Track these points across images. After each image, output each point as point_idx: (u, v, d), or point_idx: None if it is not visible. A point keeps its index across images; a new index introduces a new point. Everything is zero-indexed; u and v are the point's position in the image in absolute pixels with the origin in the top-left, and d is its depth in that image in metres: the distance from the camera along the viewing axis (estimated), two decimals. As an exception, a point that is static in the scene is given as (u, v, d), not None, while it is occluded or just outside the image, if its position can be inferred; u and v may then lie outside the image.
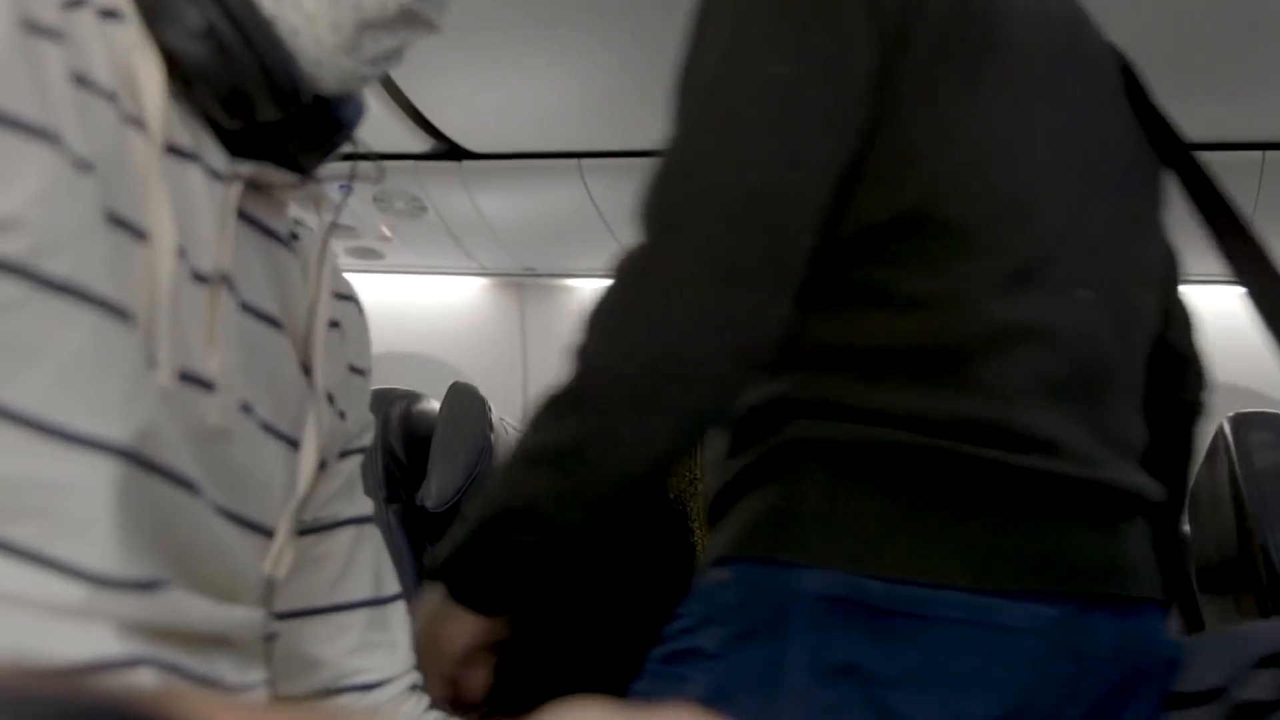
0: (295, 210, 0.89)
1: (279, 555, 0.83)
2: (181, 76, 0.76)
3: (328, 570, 0.96)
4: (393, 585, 1.01)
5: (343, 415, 0.92)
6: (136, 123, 0.70)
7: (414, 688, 1.01)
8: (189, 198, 0.73)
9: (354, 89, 0.86)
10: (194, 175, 0.74)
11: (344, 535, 0.97)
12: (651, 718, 0.46)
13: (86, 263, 0.64)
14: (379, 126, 2.50)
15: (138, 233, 0.68)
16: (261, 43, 0.76)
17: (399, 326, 3.78)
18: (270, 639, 0.83)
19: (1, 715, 0.28)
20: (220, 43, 0.74)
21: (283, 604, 0.87)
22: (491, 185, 3.17)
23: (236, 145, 0.80)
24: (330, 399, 0.90)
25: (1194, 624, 2.20)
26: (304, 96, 0.79)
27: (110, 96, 0.68)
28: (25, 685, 0.30)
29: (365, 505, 1.00)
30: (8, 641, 0.62)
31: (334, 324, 0.91)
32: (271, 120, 0.80)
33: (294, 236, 0.87)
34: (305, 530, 0.92)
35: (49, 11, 0.65)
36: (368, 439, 1.01)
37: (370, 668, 0.97)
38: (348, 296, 0.99)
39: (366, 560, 0.99)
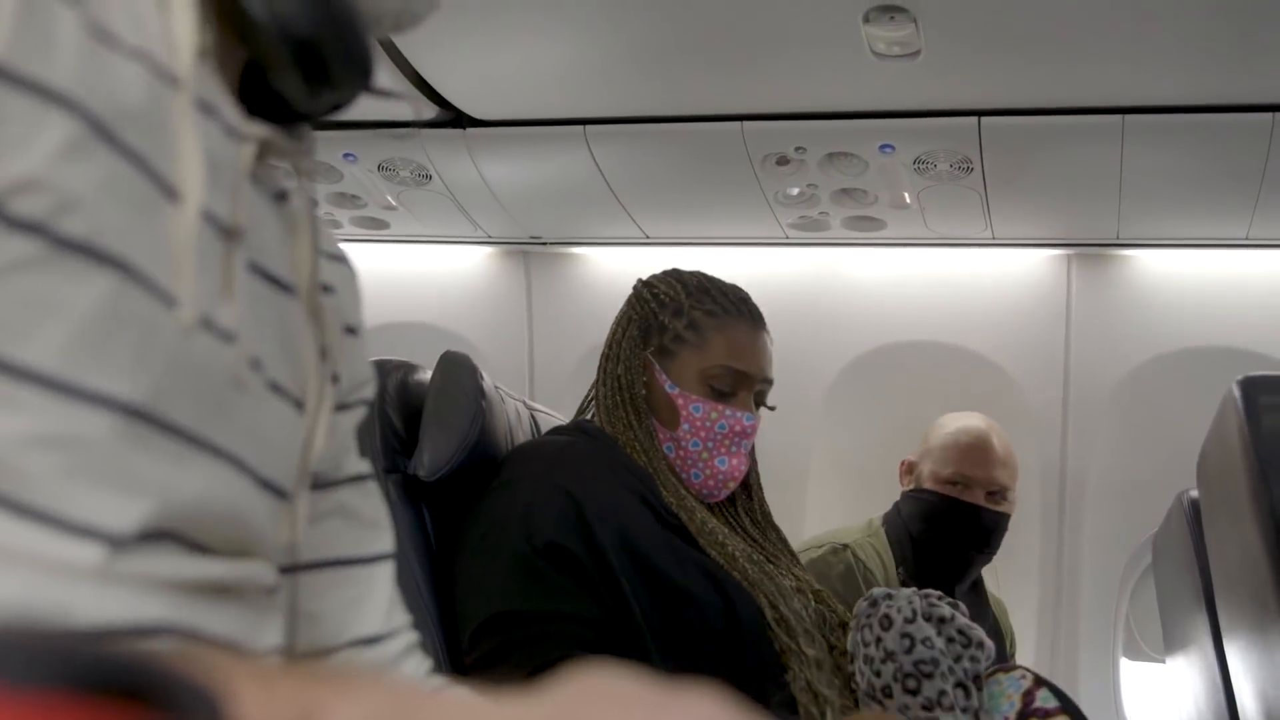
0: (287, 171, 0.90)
1: (296, 517, 0.85)
2: (232, 34, 0.78)
3: (327, 525, 0.97)
4: (388, 543, 1.02)
5: (335, 378, 0.93)
6: (166, 78, 0.71)
7: (412, 646, 1.02)
8: (211, 153, 0.74)
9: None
10: (213, 130, 0.75)
11: (344, 491, 0.98)
12: (672, 697, 0.46)
13: (104, 222, 0.65)
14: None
15: (167, 188, 0.69)
16: (346, 20, 0.78)
17: (405, 296, 3.79)
18: (273, 592, 0.84)
19: (26, 665, 0.28)
20: (312, 23, 0.77)
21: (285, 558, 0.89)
22: (497, 153, 3.17)
23: (248, 104, 0.82)
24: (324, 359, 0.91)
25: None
26: (373, 74, 0.82)
27: (137, 54, 0.69)
28: (47, 640, 0.31)
29: (362, 463, 1.01)
30: (25, 602, 0.63)
31: (326, 288, 0.92)
32: (345, 99, 0.83)
33: (283, 196, 0.88)
34: (310, 486, 0.93)
35: None
36: (367, 392, 1.02)
37: (370, 623, 0.98)
38: (338, 257, 1.00)
39: (365, 515, 1.00)
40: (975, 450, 2.96)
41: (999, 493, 2.95)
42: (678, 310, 1.97)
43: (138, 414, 0.68)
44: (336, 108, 0.87)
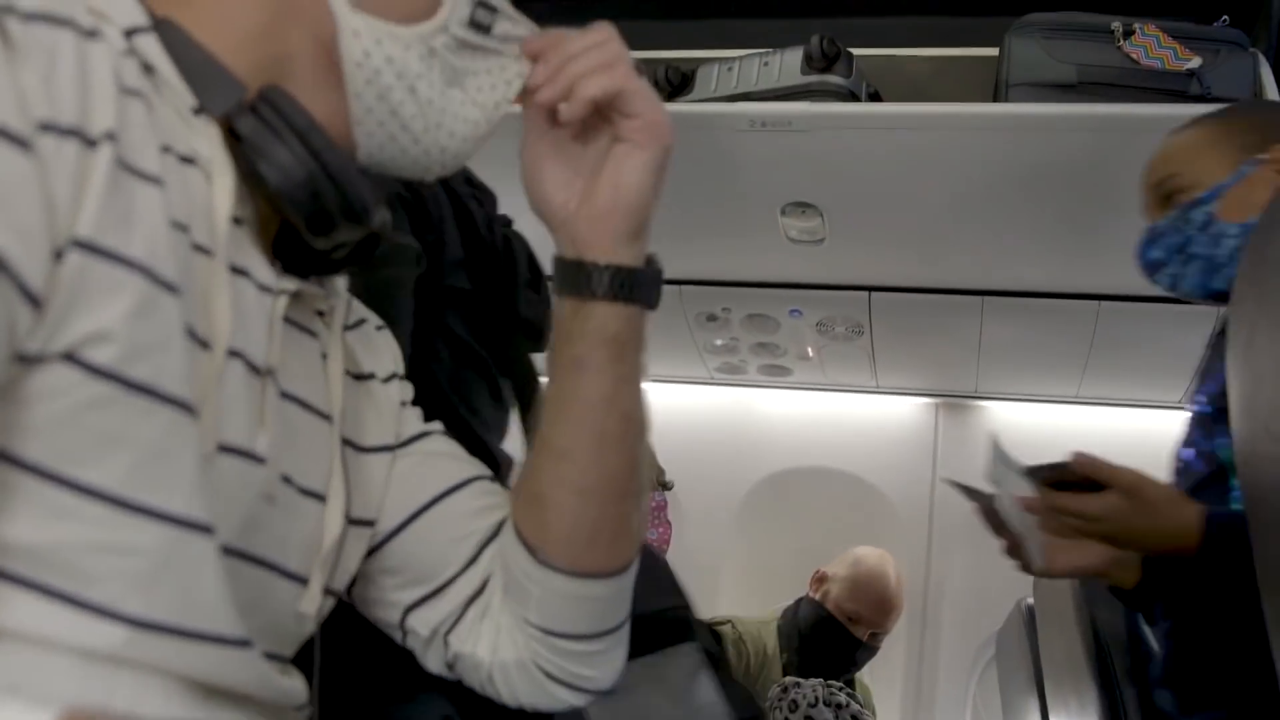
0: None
1: (312, 596, 0.81)
2: (267, 205, 0.77)
3: (415, 473, 0.94)
4: (474, 470, 0.97)
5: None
6: (200, 249, 0.70)
7: None
8: (243, 307, 0.73)
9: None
10: (245, 288, 0.74)
11: (415, 445, 0.95)
12: None
13: (164, 368, 0.64)
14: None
15: (201, 340, 0.68)
16: (343, 176, 0.76)
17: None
18: (302, 709, 0.81)
19: None
20: (312, 180, 0.75)
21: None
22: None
23: (287, 260, 0.81)
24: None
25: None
26: (373, 218, 0.80)
27: (181, 228, 0.68)
28: None
29: (423, 425, 0.97)
30: (78, 690, 0.62)
31: (365, 376, 0.91)
32: (347, 240, 0.81)
33: (319, 315, 0.86)
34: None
35: (151, 159, 0.65)
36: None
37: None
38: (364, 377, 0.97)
39: (444, 451, 0.97)
40: (880, 602, 3.04)
41: (879, 634, 3.02)
42: None
43: (191, 526, 0.66)
44: (354, 249, 0.84)
